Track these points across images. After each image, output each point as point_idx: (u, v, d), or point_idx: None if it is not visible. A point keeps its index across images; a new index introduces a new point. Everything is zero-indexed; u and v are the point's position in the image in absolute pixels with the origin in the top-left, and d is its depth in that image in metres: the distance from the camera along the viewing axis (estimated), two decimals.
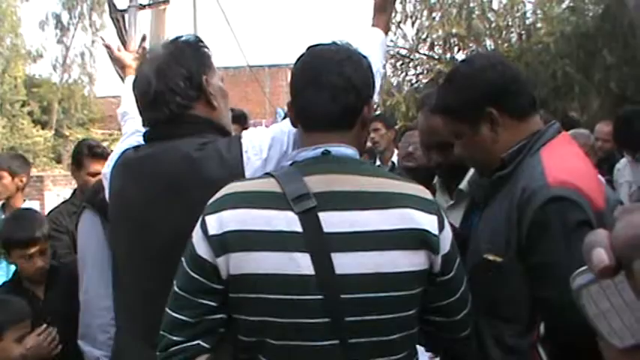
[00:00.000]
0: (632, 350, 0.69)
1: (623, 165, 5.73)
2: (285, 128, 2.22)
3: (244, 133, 2.28)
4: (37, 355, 3.12)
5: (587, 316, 0.71)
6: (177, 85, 2.24)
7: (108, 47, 3.19)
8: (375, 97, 2.13)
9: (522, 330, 2.03)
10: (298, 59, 1.93)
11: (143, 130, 2.39)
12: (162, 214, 2.15)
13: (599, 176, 2.31)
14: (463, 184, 2.82)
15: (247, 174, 2.12)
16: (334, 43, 1.93)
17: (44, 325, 3.17)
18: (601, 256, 0.65)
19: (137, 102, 2.35)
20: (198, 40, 2.40)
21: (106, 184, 2.44)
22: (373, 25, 2.73)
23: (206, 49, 2.38)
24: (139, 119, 2.41)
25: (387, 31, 2.80)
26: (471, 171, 2.83)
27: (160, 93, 2.25)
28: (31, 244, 3.36)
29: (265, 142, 2.20)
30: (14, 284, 3.48)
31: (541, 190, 1.96)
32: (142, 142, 2.37)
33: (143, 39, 3.23)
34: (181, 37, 2.41)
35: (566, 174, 1.99)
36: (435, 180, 3.01)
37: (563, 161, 2.06)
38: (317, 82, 1.85)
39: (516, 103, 2.17)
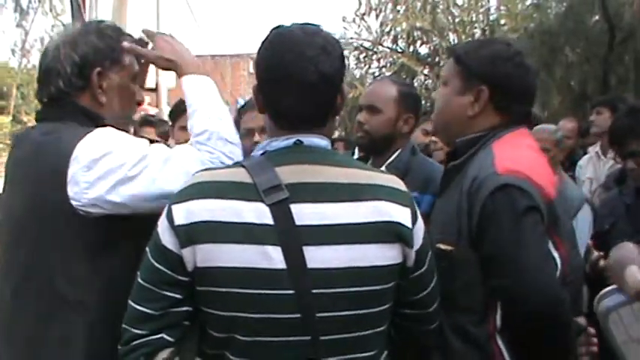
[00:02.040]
0: None
1: (585, 162, 5.75)
2: (141, 153, 2.00)
3: (97, 131, 2.05)
4: None
5: (612, 342, 0.66)
6: (64, 69, 2.13)
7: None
8: None
9: (478, 320, 2.05)
10: (264, 45, 1.82)
11: None
12: (10, 196, 2.12)
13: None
14: (383, 168, 2.95)
15: (69, 177, 1.95)
16: (303, 27, 1.81)
17: None
18: (636, 275, 0.59)
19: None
20: (113, 29, 2.25)
21: None
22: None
23: (118, 42, 2.21)
24: None
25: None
26: (394, 155, 3.02)
27: (48, 71, 2.16)
28: None
29: (100, 151, 1.98)
30: None
31: (490, 178, 2.00)
32: None
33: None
34: (102, 22, 2.30)
35: (515, 163, 2.04)
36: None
37: (513, 151, 2.11)
38: (288, 79, 1.74)
39: (510, 103, 2.22)
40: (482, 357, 2.03)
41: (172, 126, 4.25)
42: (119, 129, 2.15)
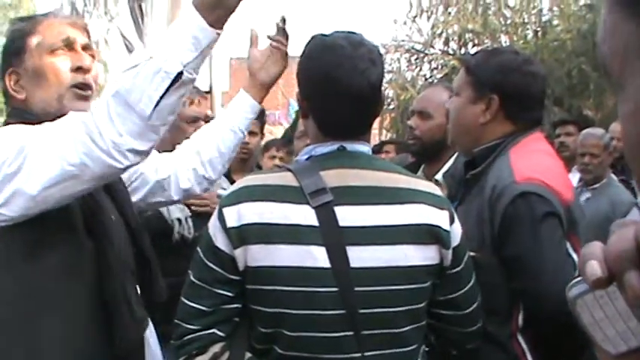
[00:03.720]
0: (625, 356, 0.73)
1: None
2: (19, 144, 1.81)
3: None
4: None
5: (582, 325, 0.76)
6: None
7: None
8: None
9: (501, 320, 2.11)
10: (310, 55, 1.88)
11: None
12: None
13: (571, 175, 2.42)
14: (439, 176, 2.98)
15: None
16: (348, 38, 1.85)
17: None
18: (594, 268, 0.69)
19: None
20: (17, 21, 2.15)
21: None
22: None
23: (22, 27, 2.07)
24: None
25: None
26: (448, 163, 2.99)
27: None
28: None
29: None
30: None
31: (509, 187, 2.07)
32: None
33: (283, 21, 2.42)
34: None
35: (532, 170, 2.11)
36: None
37: (530, 159, 2.18)
38: (340, 92, 1.81)
39: (520, 111, 2.28)
40: (505, 356, 2.10)
41: None
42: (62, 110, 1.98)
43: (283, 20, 2.38)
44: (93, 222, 1.98)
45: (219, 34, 1.77)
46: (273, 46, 2.39)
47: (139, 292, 2.13)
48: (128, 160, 1.76)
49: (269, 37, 2.40)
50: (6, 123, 2.03)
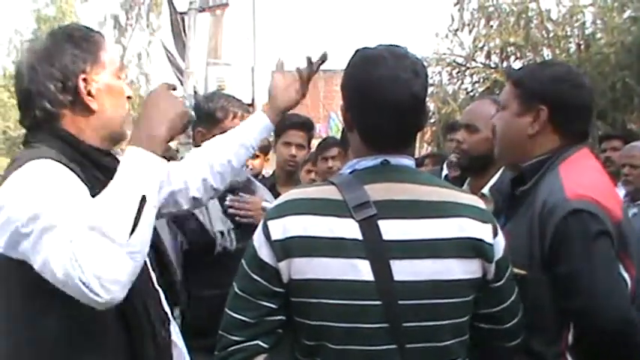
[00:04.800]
0: None
1: None
2: (33, 211, 1.73)
3: (20, 172, 1.82)
4: None
5: None
6: (47, 88, 1.98)
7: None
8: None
9: (549, 339, 2.09)
10: (354, 66, 1.90)
11: None
12: None
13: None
14: (485, 190, 2.96)
15: None
16: (391, 50, 1.88)
17: None
18: None
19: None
20: (84, 29, 2.11)
21: None
22: None
23: (94, 39, 2.08)
24: None
25: None
26: (495, 177, 2.97)
27: (28, 93, 2.00)
28: None
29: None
30: None
31: (560, 204, 2.05)
32: None
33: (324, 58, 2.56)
34: (68, 25, 2.17)
35: (583, 188, 2.09)
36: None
37: (580, 175, 2.16)
38: (383, 102, 1.82)
39: (569, 123, 2.27)
40: None
41: (275, 141, 4.36)
42: (116, 135, 2.12)
43: (324, 57, 2.54)
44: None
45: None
46: (301, 74, 2.56)
47: (166, 307, 2.15)
48: (110, 293, 1.64)
49: (298, 69, 2.57)
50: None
